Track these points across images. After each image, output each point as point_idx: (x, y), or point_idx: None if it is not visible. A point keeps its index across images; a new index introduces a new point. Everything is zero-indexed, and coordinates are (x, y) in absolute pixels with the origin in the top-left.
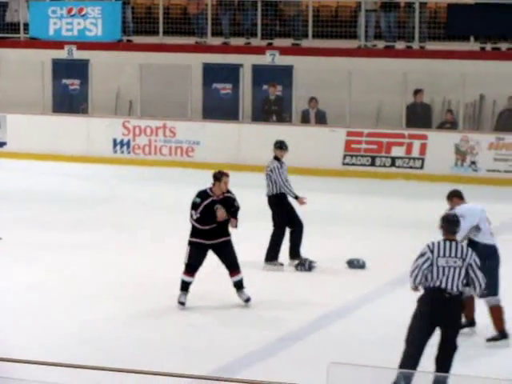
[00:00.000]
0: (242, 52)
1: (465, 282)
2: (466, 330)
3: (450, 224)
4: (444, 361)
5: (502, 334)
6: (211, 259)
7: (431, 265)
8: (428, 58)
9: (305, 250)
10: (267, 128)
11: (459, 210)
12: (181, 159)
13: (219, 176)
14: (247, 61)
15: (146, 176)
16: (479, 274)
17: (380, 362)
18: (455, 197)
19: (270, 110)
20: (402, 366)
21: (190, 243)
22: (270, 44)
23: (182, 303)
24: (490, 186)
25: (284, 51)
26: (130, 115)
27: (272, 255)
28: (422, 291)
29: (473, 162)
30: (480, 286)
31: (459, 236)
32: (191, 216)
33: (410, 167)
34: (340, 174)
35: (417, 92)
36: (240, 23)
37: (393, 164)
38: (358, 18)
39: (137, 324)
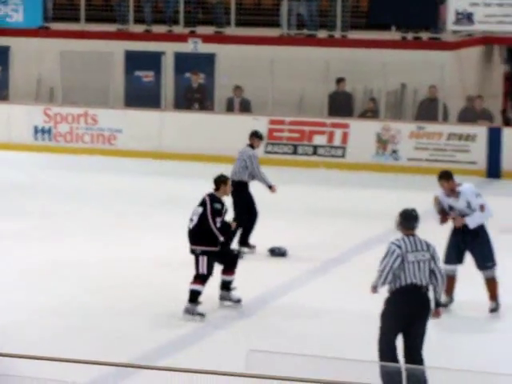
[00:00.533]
0: (164, 39)
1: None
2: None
3: (409, 220)
4: (417, 355)
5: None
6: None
7: (402, 262)
8: (350, 47)
9: None
10: (189, 116)
11: (469, 189)
12: (103, 147)
13: (224, 179)
14: (169, 48)
15: (67, 164)
16: (440, 266)
17: (298, 349)
18: (451, 178)
19: (193, 98)
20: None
21: (207, 253)
22: (193, 32)
23: (202, 314)
24: (410, 174)
25: (206, 39)
26: (51, 102)
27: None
28: (381, 291)
29: (394, 151)
30: (442, 278)
31: (488, 214)
32: (214, 224)
33: (332, 156)
34: (262, 162)
35: (339, 81)
36: (162, 11)
37: (315, 152)
38: (281, 7)
39: (58, 312)
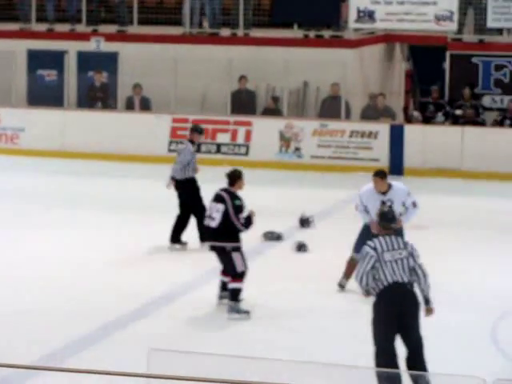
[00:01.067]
0: (66, 38)
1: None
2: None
3: (386, 221)
4: (419, 358)
5: None
6: None
7: (379, 262)
8: (253, 45)
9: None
10: (92, 115)
11: (401, 189)
12: (5, 146)
13: (239, 174)
14: (72, 47)
15: None
16: (421, 263)
17: (201, 347)
18: (385, 177)
19: (96, 97)
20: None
21: (238, 249)
22: (95, 30)
23: (247, 312)
24: (313, 172)
25: (109, 38)
26: None
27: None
28: (372, 295)
29: (297, 149)
30: (424, 274)
31: (418, 210)
32: (238, 220)
33: (235, 154)
34: (166, 161)
35: (241, 79)
36: (65, 9)
37: (218, 151)
38: (183, 5)
39: None
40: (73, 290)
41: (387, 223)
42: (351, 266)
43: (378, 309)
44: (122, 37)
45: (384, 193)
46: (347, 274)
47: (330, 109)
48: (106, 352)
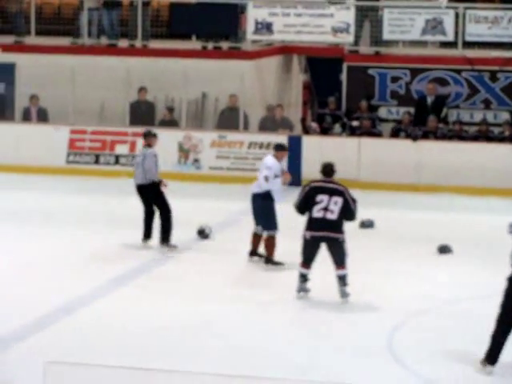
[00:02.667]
0: None
1: None
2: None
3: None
4: None
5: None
6: None
7: None
8: (151, 57)
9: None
10: None
11: (266, 161)
12: None
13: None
14: None
15: None
16: None
17: (100, 360)
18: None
19: None
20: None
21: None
22: None
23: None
24: (212, 183)
25: (6, 48)
26: None
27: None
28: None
29: (196, 160)
30: None
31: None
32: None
33: (133, 165)
34: (64, 172)
35: (141, 90)
36: None
37: (117, 162)
38: (81, 16)
39: None
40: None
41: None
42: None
43: None
44: (19, 47)
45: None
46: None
47: (229, 120)
48: (1, 365)
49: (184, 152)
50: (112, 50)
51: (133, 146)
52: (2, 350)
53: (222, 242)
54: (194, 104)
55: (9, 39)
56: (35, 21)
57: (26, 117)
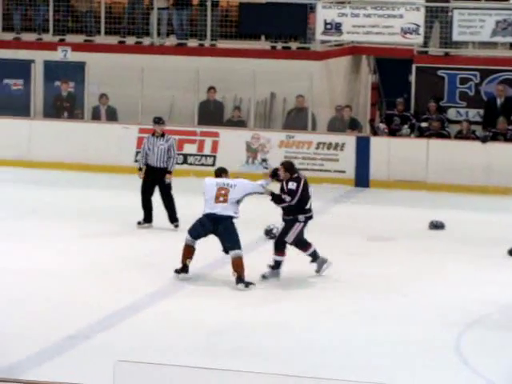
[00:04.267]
0: (33, 48)
1: None
2: None
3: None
4: None
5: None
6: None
7: None
8: (220, 56)
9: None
10: (59, 124)
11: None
12: None
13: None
14: (39, 56)
15: None
16: None
17: (169, 359)
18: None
19: (62, 107)
20: None
21: None
22: (62, 40)
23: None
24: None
25: (76, 47)
26: None
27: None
28: None
29: (264, 160)
30: None
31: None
32: None
33: (202, 164)
34: (132, 171)
35: (210, 89)
36: (32, 18)
37: (185, 161)
38: (151, 16)
39: None
40: (35, 301)
41: None
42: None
43: None
44: (89, 46)
45: None
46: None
47: (297, 120)
48: (70, 364)
49: (252, 152)
50: (181, 50)
51: (201, 145)
52: (71, 348)
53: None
54: (263, 104)
55: (79, 38)
56: (105, 20)
57: (96, 116)
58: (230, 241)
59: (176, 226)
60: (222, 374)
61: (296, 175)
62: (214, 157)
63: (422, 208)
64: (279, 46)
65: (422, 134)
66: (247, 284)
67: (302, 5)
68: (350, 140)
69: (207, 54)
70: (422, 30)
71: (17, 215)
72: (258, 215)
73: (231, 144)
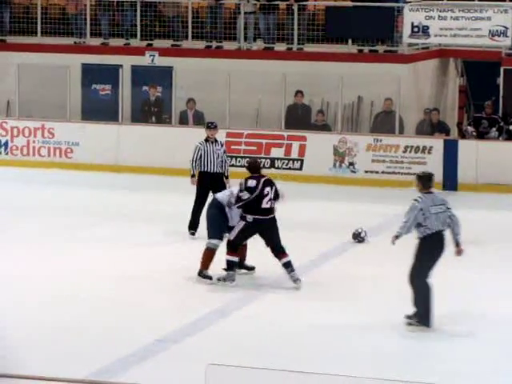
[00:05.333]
0: (121, 53)
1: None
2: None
3: (424, 180)
4: None
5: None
6: None
7: (424, 214)
8: (307, 60)
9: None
10: (146, 129)
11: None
12: (60, 160)
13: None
14: (127, 62)
15: (23, 177)
16: (456, 215)
17: (258, 362)
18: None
19: (150, 111)
20: (426, 299)
21: None
22: (150, 45)
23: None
24: (367, 187)
25: (163, 52)
26: (7, 116)
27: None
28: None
29: (351, 163)
30: (457, 222)
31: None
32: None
33: (289, 168)
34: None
35: (297, 93)
36: (119, 24)
37: (272, 165)
38: (238, 20)
39: (6, 327)
40: (121, 305)
41: (425, 182)
42: (208, 256)
43: (430, 247)
44: (177, 51)
45: None
46: (205, 264)
47: (384, 124)
48: (159, 367)
49: (339, 155)
50: (268, 54)
51: (288, 149)
52: (160, 352)
53: (377, 246)
54: (350, 107)
55: (166, 43)
56: (192, 24)
57: (183, 120)
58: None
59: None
60: (310, 377)
61: (257, 174)
62: (302, 161)
63: (510, 212)
64: (366, 49)
65: (510, 136)
66: (203, 276)
67: (390, 8)
68: (437, 143)
69: (294, 58)
70: (510, 32)
71: (106, 220)
72: (346, 219)
73: (318, 148)
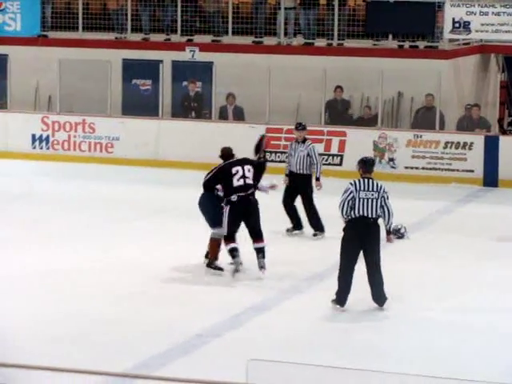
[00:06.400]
0: (161, 48)
1: (380, 210)
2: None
3: (366, 165)
4: (374, 275)
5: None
6: None
7: (354, 198)
8: (347, 56)
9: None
10: (186, 124)
11: None
12: (100, 155)
13: None
14: (167, 57)
15: (64, 172)
16: (389, 204)
17: (299, 357)
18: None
19: (190, 107)
20: (340, 278)
21: None
22: (190, 40)
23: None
24: (407, 182)
25: (204, 47)
26: (49, 111)
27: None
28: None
29: (391, 159)
30: (389, 212)
31: None
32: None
33: (329, 164)
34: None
35: (337, 89)
36: (160, 19)
37: None
38: (278, 15)
39: (51, 320)
40: (162, 299)
41: (366, 167)
42: (214, 246)
43: (348, 231)
44: (217, 46)
45: None
46: (214, 254)
47: (424, 119)
48: (201, 361)
49: (379, 151)
50: (308, 49)
51: (328, 144)
52: (201, 346)
53: (417, 242)
54: (390, 103)
55: (207, 38)
56: (232, 20)
57: (223, 115)
58: None
59: (314, 235)
60: (355, 374)
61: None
62: (341, 156)
63: None
64: (407, 44)
65: None
66: (214, 268)
67: (430, 3)
68: (478, 139)
69: (334, 54)
70: None
71: (149, 214)
72: None
73: (358, 143)
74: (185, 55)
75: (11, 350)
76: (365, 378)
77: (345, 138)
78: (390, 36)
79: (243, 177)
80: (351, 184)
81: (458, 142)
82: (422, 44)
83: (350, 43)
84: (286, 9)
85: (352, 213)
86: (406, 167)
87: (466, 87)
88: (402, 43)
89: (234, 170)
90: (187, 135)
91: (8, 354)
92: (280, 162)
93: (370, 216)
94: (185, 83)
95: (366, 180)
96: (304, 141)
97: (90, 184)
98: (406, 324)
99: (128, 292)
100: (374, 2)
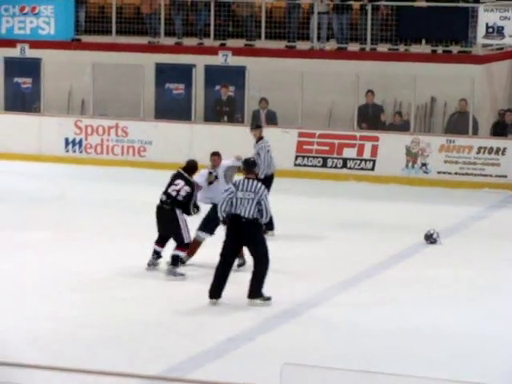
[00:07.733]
0: (194, 52)
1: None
2: None
3: (246, 165)
4: (258, 268)
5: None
6: None
7: (233, 197)
8: (380, 60)
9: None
10: (219, 128)
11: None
12: (133, 159)
13: None
14: (200, 61)
15: (97, 175)
16: (267, 205)
17: (333, 362)
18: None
19: (222, 111)
20: (217, 271)
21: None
22: (223, 44)
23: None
24: (440, 187)
25: (237, 52)
26: (82, 114)
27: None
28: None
29: (423, 164)
30: (266, 213)
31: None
32: None
33: (362, 168)
34: (292, 175)
35: (368, 93)
36: (193, 23)
37: (344, 165)
38: (311, 20)
39: (86, 323)
40: (193, 304)
41: (247, 167)
42: (195, 246)
43: (227, 228)
44: (250, 51)
45: None
46: (191, 253)
47: (457, 124)
48: (234, 365)
49: (412, 156)
50: (341, 54)
51: (361, 149)
52: (234, 349)
53: (450, 247)
54: (423, 108)
55: (240, 43)
56: (266, 24)
57: (256, 119)
58: None
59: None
60: (389, 379)
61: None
62: (374, 161)
63: None
64: (440, 49)
65: None
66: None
67: (464, 8)
68: (511, 144)
69: (367, 58)
70: None
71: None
72: (418, 220)
73: (391, 148)
74: (217, 59)
75: (48, 354)
76: (398, 382)
77: (377, 142)
78: (424, 41)
79: (176, 190)
80: (233, 184)
81: (491, 148)
82: (455, 49)
83: (382, 48)
84: (319, 13)
85: (231, 211)
86: (439, 172)
87: (499, 92)
88: (435, 48)
89: (176, 182)
90: (219, 139)
91: (44, 357)
92: (312, 166)
93: (244, 215)
94: (217, 87)
95: (246, 180)
96: (258, 140)
97: (123, 188)
98: (438, 329)
99: (158, 294)
100: (406, 7)
